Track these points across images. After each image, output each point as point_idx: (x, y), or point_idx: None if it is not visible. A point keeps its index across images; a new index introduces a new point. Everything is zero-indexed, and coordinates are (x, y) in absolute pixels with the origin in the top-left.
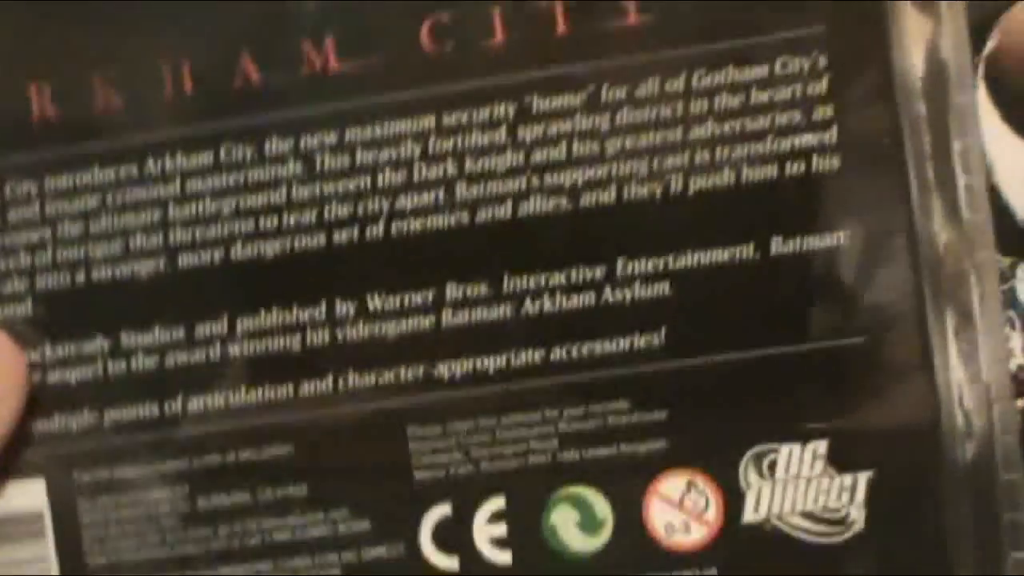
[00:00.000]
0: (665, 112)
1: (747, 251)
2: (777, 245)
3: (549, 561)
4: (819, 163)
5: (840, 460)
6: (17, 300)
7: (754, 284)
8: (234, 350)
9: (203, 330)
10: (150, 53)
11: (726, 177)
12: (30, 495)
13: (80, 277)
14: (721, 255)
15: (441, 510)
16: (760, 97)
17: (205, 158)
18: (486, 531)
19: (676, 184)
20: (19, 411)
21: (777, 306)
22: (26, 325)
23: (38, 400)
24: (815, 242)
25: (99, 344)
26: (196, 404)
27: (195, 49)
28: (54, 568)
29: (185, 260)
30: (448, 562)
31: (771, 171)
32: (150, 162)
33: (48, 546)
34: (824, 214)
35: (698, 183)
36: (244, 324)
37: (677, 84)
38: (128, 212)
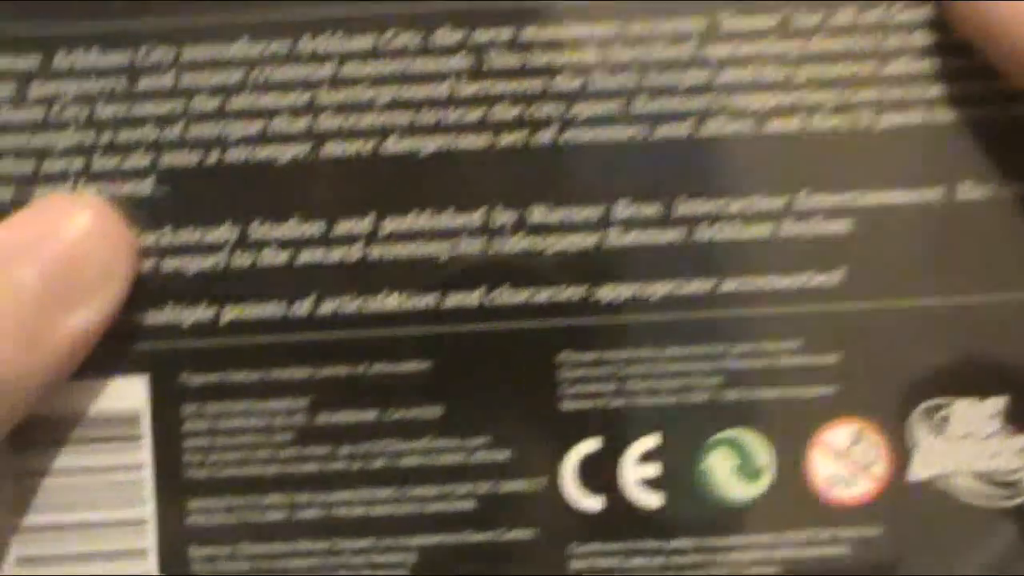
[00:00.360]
0: (859, 44)
1: (934, 194)
2: (965, 190)
3: (702, 507)
4: (1015, 108)
5: (1018, 419)
6: (139, 176)
7: (939, 229)
8: (376, 252)
9: (344, 227)
10: None
11: (917, 116)
12: (129, 394)
13: (212, 157)
14: (907, 196)
15: (589, 445)
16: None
17: (365, 41)
18: (636, 471)
19: (864, 119)
20: (123, 296)
21: (962, 253)
22: (144, 204)
23: (149, 289)
24: (1006, 190)
25: (225, 233)
26: (327, 308)
27: None
28: (148, 478)
29: (331, 149)
30: (591, 502)
31: (964, 113)
32: (304, 39)
33: (144, 453)
34: (1017, 160)
35: (888, 120)
36: (390, 224)
37: (873, 16)
38: (273, 91)
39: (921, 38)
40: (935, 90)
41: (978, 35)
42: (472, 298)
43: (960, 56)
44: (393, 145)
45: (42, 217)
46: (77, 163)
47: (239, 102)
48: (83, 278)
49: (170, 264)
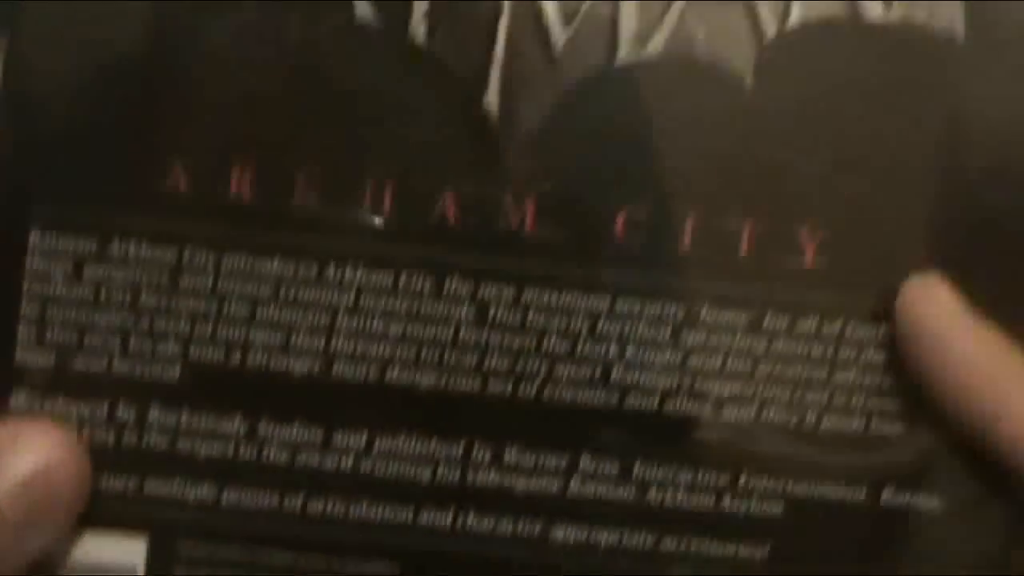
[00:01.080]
0: (816, 350)
1: (859, 494)
2: (888, 495)
3: None
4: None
5: None
6: (167, 362)
7: (861, 524)
8: (366, 465)
9: (340, 439)
10: (357, 164)
11: (856, 423)
12: (129, 552)
13: (235, 358)
14: (835, 492)
15: None
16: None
17: (385, 279)
18: None
19: (810, 418)
20: (76, 519)
21: (879, 548)
22: (168, 389)
23: (161, 463)
24: (921, 501)
25: (236, 425)
26: (316, 507)
27: (403, 175)
28: None
29: (340, 368)
30: None
31: (898, 427)
32: (331, 268)
33: None
34: (934, 478)
35: (830, 422)
36: (382, 443)
37: (833, 328)
38: (297, 309)
39: (869, 355)
40: (874, 403)
41: (922, 375)
42: (444, 519)
43: (901, 374)
44: (395, 374)
45: (5, 445)
46: (115, 342)
47: (266, 313)
48: (42, 505)
49: (184, 444)
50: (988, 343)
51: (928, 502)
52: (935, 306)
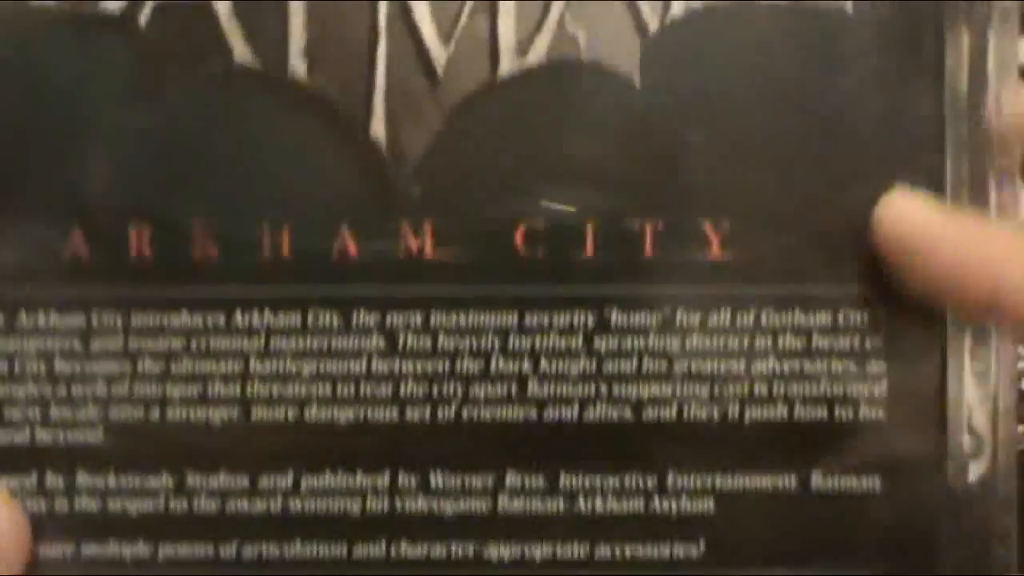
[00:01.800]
0: (732, 343)
1: (789, 481)
2: (817, 480)
3: None
4: (866, 412)
5: None
6: (89, 426)
7: (793, 512)
8: (295, 505)
9: (267, 482)
10: (253, 212)
11: (779, 411)
12: None
13: (154, 414)
14: (765, 482)
15: None
16: (820, 343)
17: (292, 319)
18: None
19: (733, 411)
20: None
21: (813, 535)
22: (93, 452)
23: (95, 526)
24: (852, 483)
25: (164, 480)
26: (250, 551)
27: (298, 215)
28: None
29: (259, 413)
30: None
31: (821, 412)
32: (238, 315)
33: None
34: (865, 459)
35: (753, 414)
36: (308, 482)
37: (747, 319)
38: (209, 359)
39: (786, 341)
40: (795, 389)
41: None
42: (377, 550)
43: (818, 360)
44: (313, 413)
45: None
46: (35, 412)
47: (180, 367)
48: None
49: (115, 504)
50: (972, 228)
51: (863, 483)
52: (913, 218)
